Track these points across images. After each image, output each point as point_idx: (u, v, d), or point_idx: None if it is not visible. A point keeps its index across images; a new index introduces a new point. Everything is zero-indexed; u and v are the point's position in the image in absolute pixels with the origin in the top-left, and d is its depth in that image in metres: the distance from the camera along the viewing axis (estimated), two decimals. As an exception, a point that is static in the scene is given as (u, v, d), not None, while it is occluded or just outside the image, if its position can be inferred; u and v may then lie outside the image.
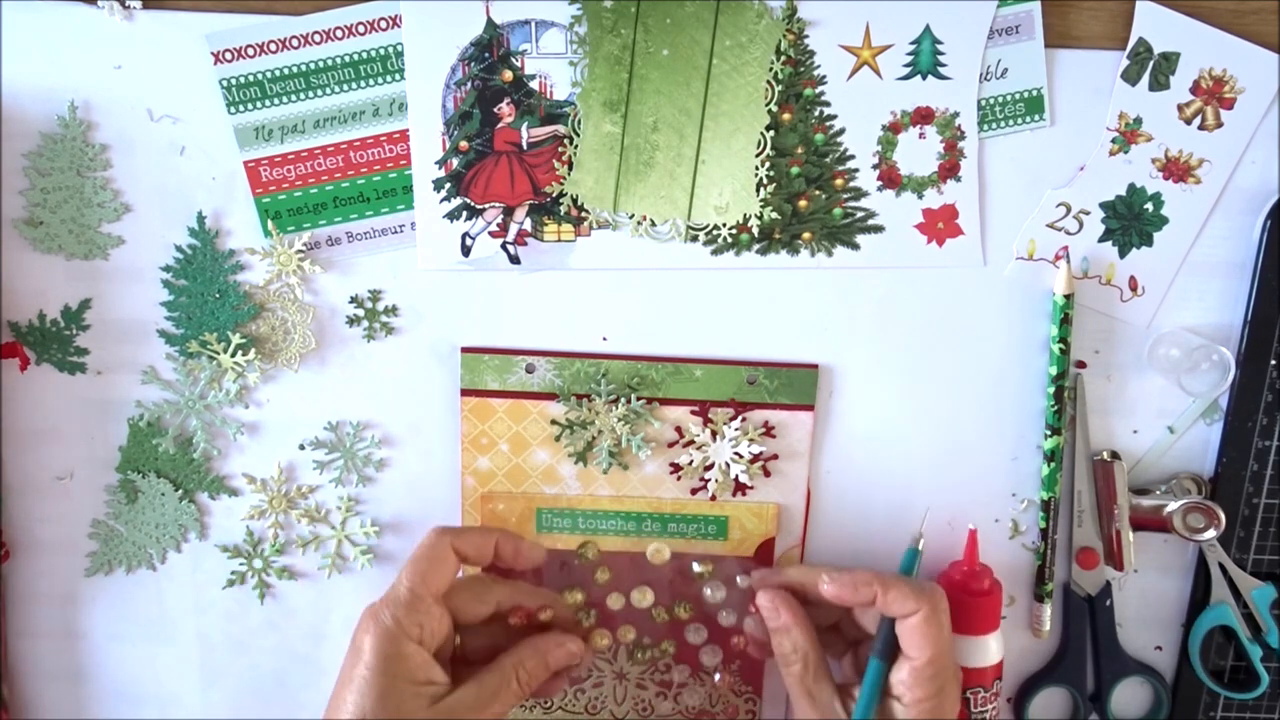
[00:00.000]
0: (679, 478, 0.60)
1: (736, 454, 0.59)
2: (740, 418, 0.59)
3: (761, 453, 0.59)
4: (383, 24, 0.54)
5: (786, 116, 0.56)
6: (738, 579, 0.60)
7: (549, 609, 0.57)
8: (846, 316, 0.59)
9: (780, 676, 0.63)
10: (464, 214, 0.57)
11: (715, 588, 0.60)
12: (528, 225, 0.57)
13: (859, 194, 0.57)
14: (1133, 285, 0.59)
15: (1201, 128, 0.57)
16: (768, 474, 0.60)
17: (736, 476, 0.60)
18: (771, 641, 0.57)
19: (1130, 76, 0.56)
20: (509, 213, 0.57)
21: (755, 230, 0.57)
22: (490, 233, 0.57)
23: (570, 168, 0.56)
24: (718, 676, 0.62)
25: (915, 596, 0.53)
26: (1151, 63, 0.56)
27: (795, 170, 0.56)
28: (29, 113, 0.55)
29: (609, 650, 0.61)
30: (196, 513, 0.60)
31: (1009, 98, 0.56)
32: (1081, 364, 0.60)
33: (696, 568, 0.61)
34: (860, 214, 0.57)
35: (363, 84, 0.55)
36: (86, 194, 0.56)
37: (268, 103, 0.55)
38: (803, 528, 0.61)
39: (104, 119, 0.55)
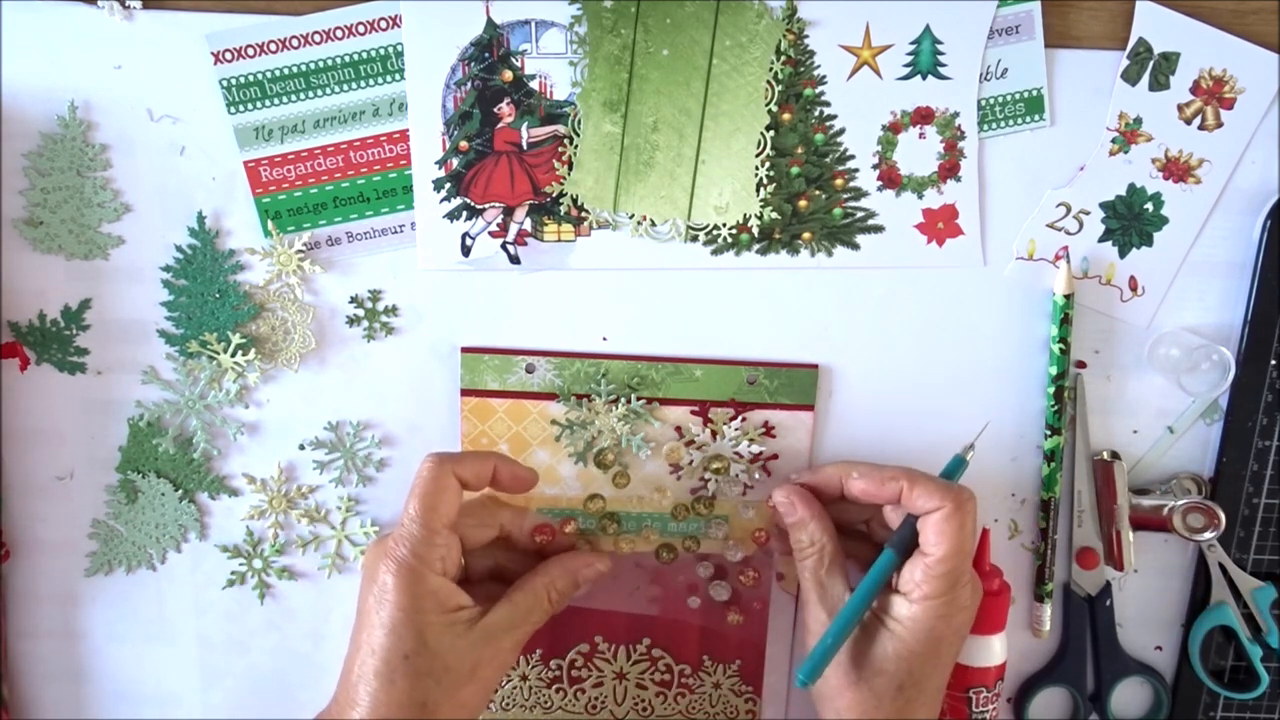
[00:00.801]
0: (679, 478, 0.60)
1: (737, 454, 0.59)
2: (740, 418, 0.59)
3: (761, 453, 0.59)
4: (383, 24, 0.54)
5: (786, 116, 0.56)
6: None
7: (572, 522, 0.58)
8: (846, 316, 0.59)
9: (779, 676, 0.63)
10: (464, 214, 0.57)
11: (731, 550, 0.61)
12: (528, 225, 0.57)
13: (859, 194, 0.57)
14: (1133, 285, 0.59)
15: (1201, 128, 0.57)
16: (768, 474, 0.60)
17: (737, 476, 0.60)
18: (791, 537, 0.56)
19: (1130, 76, 0.56)
20: (509, 213, 0.57)
21: (755, 230, 0.57)
22: (490, 233, 0.57)
23: (570, 168, 0.56)
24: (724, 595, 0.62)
25: (941, 493, 0.52)
26: (1151, 63, 0.56)
27: (795, 170, 0.56)
28: (29, 113, 0.55)
29: (634, 553, 0.61)
30: (196, 513, 0.60)
31: (1009, 98, 0.56)
32: (1081, 364, 0.60)
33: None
34: (860, 214, 0.57)
35: (363, 84, 0.55)
36: (86, 194, 0.56)
37: (268, 103, 0.55)
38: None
39: (104, 119, 0.55)
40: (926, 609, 0.52)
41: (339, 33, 0.54)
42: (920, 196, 0.57)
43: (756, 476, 0.60)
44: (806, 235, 0.57)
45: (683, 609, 0.62)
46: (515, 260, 0.58)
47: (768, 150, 0.56)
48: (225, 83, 0.55)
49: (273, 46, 0.54)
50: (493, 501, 0.58)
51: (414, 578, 0.51)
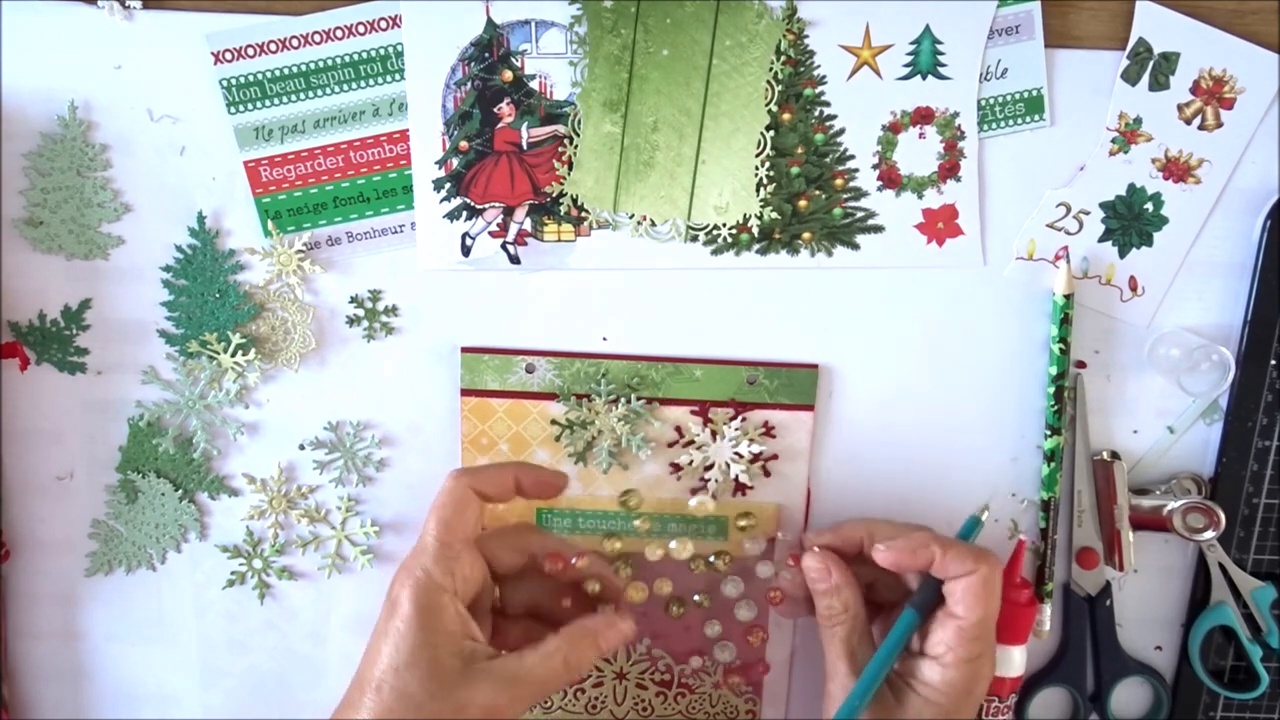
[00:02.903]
0: (679, 478, 0.60)
1: (736, 454, 0.59)
2: (740, 418, 0.59)
3: (761, 453, 0.59)
4: (383, 24, 0.54)
5: (786, 116, 0.56)
6: (777, 535, 0.60)
7: (585, 556, 0.55)
8: (846, 316, 0.59)
9: (777, 677, 0.63)
10: (464, 214, 0.57)
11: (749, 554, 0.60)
12: (528, 225, 0.57)
13: (859, 194, 0.57)
14: (1133, 285, 0.59)
15: (1201, 128, 0.57)
16: (768, 474, 0.60)
17: (736, 476, 0.60)
18: (818, 602, 0.56)
19: (1130, 76, 0.56)
20: (509, 213, 0.57)
21: (755, 230, 0.57)
22: (490, 233, 0.57)
23: (570, 168, 0.56)
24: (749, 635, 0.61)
25: (974, 558, 0.53)
26: (1151, 63, 0.56)
27: (795, 170, 0.56)
28: (29, 113, 0.55)
29: (644, 604, 0.59)
30: (196, 513, 0.60)
31: (1009, 98, 0.56)
32: (1081, 364, 0.60)
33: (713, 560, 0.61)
34: (860, 214, 0.57)
35: (363, 84, 0.55)
36: (86, 194, 0.56)
37: (268, 103, 0.55)
38: (803, 528, 0.61)
39: (104, 119, 0.55)
40: (961, 672, 0.53)
41: (339, 33, 0.54)
42: (920, 196, 0.57)
43: (754, 482, 0.60)
44: (806, 235, 0.57)
45: (700, 640, 0.62)
46: (515, 260, 0.58)
47: (768, 150, 0.56)
48: (225, 83, 0.55)
49: (273, 46, 0.54)
50: (525, 528, 0.57)
51: (424, 593, 0.50)
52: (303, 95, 0.55)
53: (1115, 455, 0.60)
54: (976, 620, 0.53)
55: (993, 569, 0.53)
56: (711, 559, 0.60)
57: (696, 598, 0.60)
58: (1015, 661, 0.59)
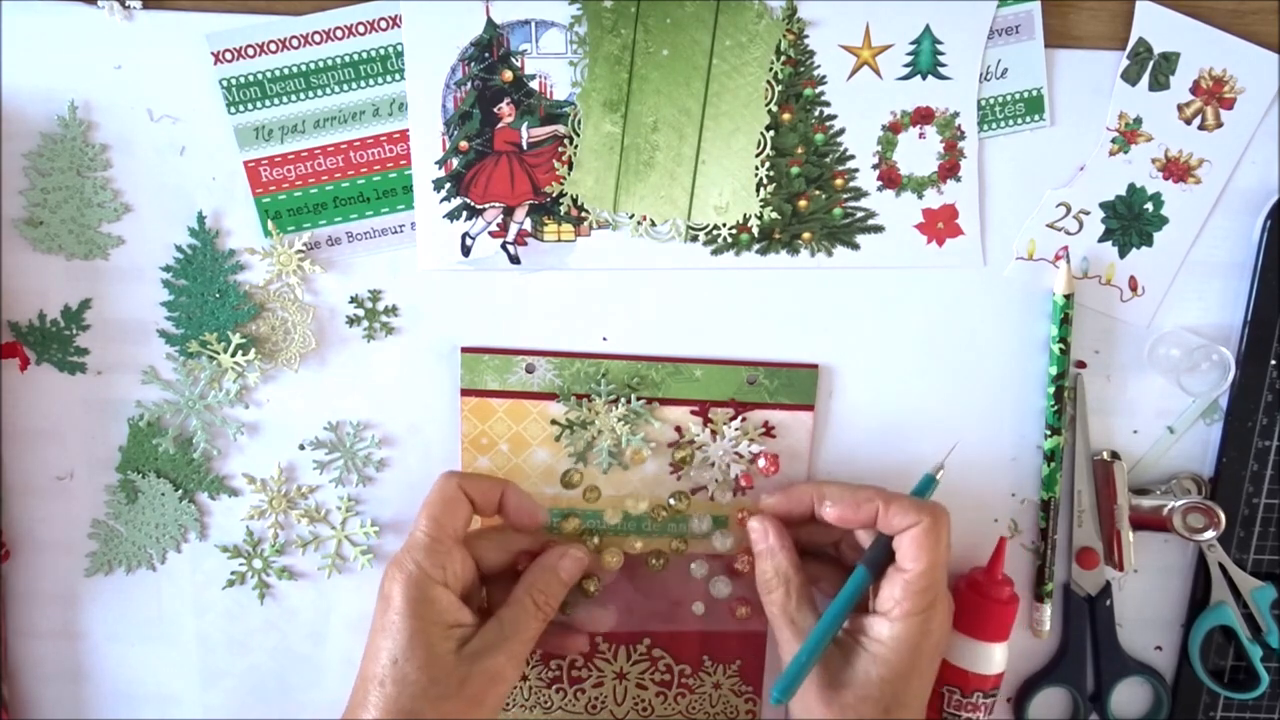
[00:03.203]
0: (679, 477, 0.60)
1: (736, 454, 0.59)
2: (740, 418, 0.59)
3: (761, 452, 0.59)
4: (383, 24, 0.54)
5: (786, 116, 0.56)
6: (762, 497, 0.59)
7: (553, 542, 0.58)
8: (846, 316, 0.59)
9: (775, 676, 0.63)
10: (464, 214, 0.57)
11: (723, 536, 0.60)
12: (528, 225, 0.57)
13: (859, 194, 0.57)
14: (1133, 285, 0.59)
15: (1201, 128, 0.57)
16: (767, 474, 0.60)
17: (736, 476, 0.60)
18: (756, 568, 0.57)
19: (1130, 76, 0.56)
20: (509, 213, 0.57)
21: (755, 230, 0.57)
22: (490, 233, 0.57)
23: (570, 168, 0.56)
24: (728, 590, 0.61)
25: (917, 509, 0.53)
26: (1151, 63, 0.56)
27: (795, 170, 0.56)
28: (29, 113, 0.55)
29: (619, 566, 0.60)
30: (196, 513, 0.60)
31: (1009, 98, 0.56)
32: (1081, 364, 0.60)
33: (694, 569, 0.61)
34: (860, 214, 0.57)
35: (363, 84, 0.55)
36: (86, 194, 0.56)
37: (268, 103, 0.55)
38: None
39: (104, 119, 0.55)
40: (908, 626, 0.52)
41: (339, 33, 0.54)
42: (920, 196, 0.57)
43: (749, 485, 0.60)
44: (806, 235, 0.57)
45: (689, 618, 0.62)
46: (515, 260, 0.58)
47: (768, 150, 0.56)
48: (225, 83, 0.55)
49: (273, 46, 0.54)
50: (509, 529, 0.58)
51: (415, 586, 0.52)
52: (303, 95, 0.55)
53: (1115, 455, 0.60)
54: (921, 570, 0.52)
55: (937, 519, 0.53)
56: (671, 501, 0.60)
57: (674, 544, 0.60)
58: (995, 659, 0.59)
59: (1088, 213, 0.58)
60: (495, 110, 0.56)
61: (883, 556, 0.54)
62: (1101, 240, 0.58)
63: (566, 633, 0.59)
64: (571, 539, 0.60)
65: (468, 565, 0.54)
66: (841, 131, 0.56)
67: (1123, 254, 0.58)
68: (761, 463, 0.59)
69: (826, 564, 0.59)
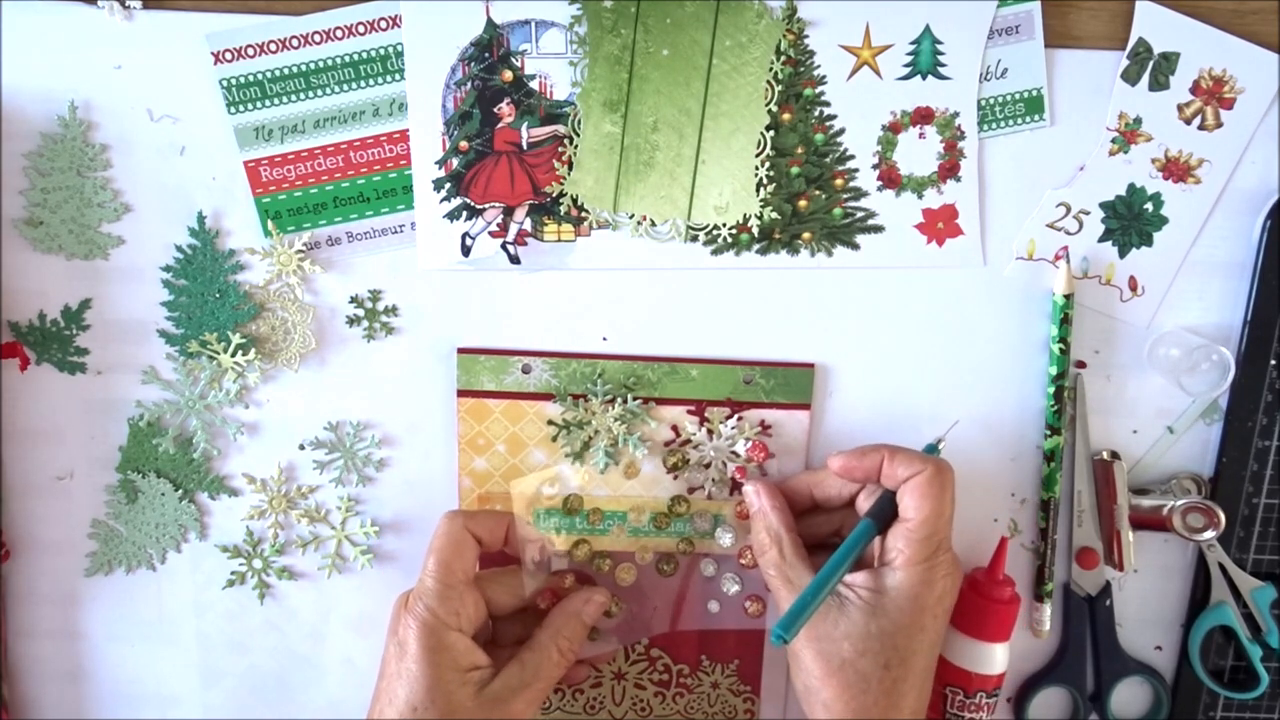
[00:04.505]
0: (675, 477, 0.60)
1: (733, 452, 0.59)
2: (736, 417, 0.59)
3: (752, 442, 0.59)
4: (383, 24, 0.54)
5: (786, 116, 0.56)
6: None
7: (568, 575, 0.58)
8: (846, 316, 0.59)
9: (777, 675, 0.63)
10: (464, 214, 0.57)
11: (724, 531, 0.60)
12: (528, 225, 0.57)
13: (859, 194, 0.57)
14: (1132, 285, 0.59)
15: (1201, 128, 0.57)
16: (764, 473, 0.60)
17: (733, 475, 0.60)
18: (752, 534, 0.56)
19: (1130, 76, 0.56)
20: (509, 213, 0.57)
21: (755, 230, 0.57)
22: (490, 233, 0.57)
23: (570, 168, 0.56)
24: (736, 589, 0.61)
25: (921, 459, 0.53)
26: (1151, 63, 0.56)
27: (795, 170, 0.56)
28: (29, 113, 0.55)
29: (634, 580, 0.60)
30: (196, 513, 0.60)
31: (1009, 98, 0.56)
32: (1081, 364, 0.59)
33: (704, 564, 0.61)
34: (860, 214, 0.57)
35: (363, 84, 0.55)
36: (86, 194, 0.56)
37: (268, 103, 0.55)
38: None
39: (104, 119, 0.55)
40: (910, 575, 0.52)
41: (339, 33, 0.54)
42: (920, 196, 0.57)
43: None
44: (806, 235, 0.57)
45: (705, 617, 0.62)
46: (515, 260, 0.58)
47: (768, 150, 0.56)
48: (225, 83, 0.55)
49: (273, 46, 0.54)
50: (517, 571, 0.58)
51: (430, 633, 0.52)
52: (303, 95, 0.55)
53: (1115, 455, 0.60)
54: (924, 519, 0.51)
55: (940, 469, 0.52)
56: (670, 505, 0.60)
57: (680, 545, 0.60)
58: (997, 659, 0.59)
59: (1088, 213, 0.58)
60: (495, 110, 0.56)
61: (888, 509, 0.53)
62: (1101, 240, 0.58)
63: (574, 665, 0.58)
64: (583, 564, 0.60)
65: (480, 607, 0.54)
66: (841, 131, 0.56)
67: (1123, 254, 0.58)
68: (742, 447, 0.58)
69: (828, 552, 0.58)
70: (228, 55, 0.54)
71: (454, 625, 0.52)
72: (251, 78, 0.55)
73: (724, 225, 0.57)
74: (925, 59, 0.55)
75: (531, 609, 0.58)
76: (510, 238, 0.57)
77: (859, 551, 0.53)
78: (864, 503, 0.56)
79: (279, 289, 0.58)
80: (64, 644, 0.62)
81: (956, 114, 0.56)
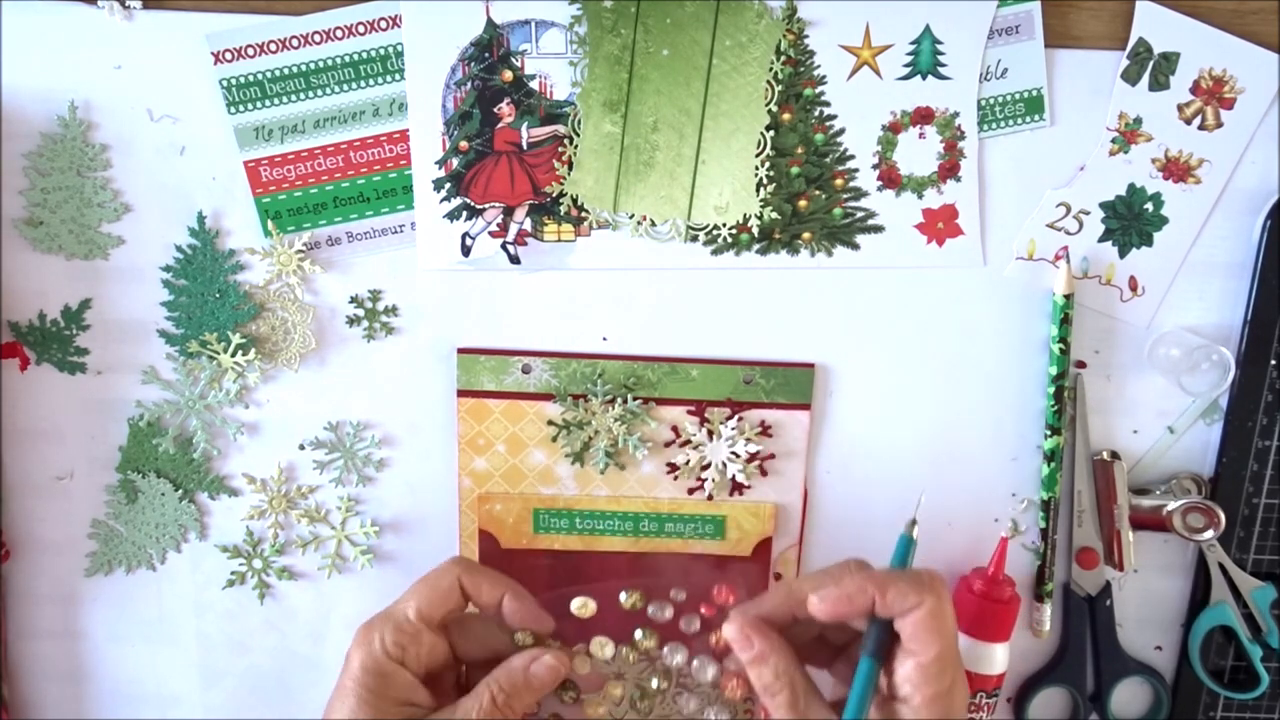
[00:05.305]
0: (676, 477, 0.60)
1: (733, 453, 0.59)
2: (737, 417, 0.59)
3: (758, 452, 0.59)
4: (383, 24, 0.54)
5: (786, 116, 0.56)
6: (724, 627, 0.52)
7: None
8: (846, 316, 0.59)
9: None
10: (464, 214, 0.57)
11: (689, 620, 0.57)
12: (528, 225, 0.57)
13: (859, 194, 0.57)
14: (1133, 285, 0.59)
15: (1201, 128, 0.57)
16: (765, 473, 0.60)
17: (733, 476, 0.60)
18: (751, 676, 0.51)
19: (1130, 76, 0.56)
20: (509, 213, 0.57)
21: (755, 230, 0.57)
22: (490, 233, 0.57)
23: (570, 168, 0.56)
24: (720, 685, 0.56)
25: (916, 590, 0.48)
26: (1151, 63, 0.56)
27: (795, 170, 0.56)
28: (29, 113, 0.55)
29: (588, 671, 0.56)
30: (196, 513, 0.60)
31: (1009, 98, 0.56)
32: (1081, 364, 0.60)
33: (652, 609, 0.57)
34: (860, 214, 0.57)
35: (363, 84, 0.55)
36: (86, 194, 0.56)
37: (268, 103, 0.55)
38: (800, 527, 0.61)
39: (104, 119, 0.55)
40: (934, 708, 0.48)
41: (339, 33, 0.54)
42: (920, 196, 0.57)
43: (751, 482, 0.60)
44: (806, 235, 0.57)
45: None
46: (515, 260, 0.58)
47: (768, 150, 0.56)
48: (225, 83, 0.55)
49: (273, 46, 0.54)
50: (492, 622, 0.55)
51: (373, 660, 0.51)
52: (303, 95, 0.55)
53: (1115, 455, 0.60)
54: (934, 656, 0.48)
55: (939, 598, 0.48)
56: (638, 636, 0.55)
57: (658, 684, 0.56)
58: (997, 659, 0.59)
59: (1088, 213, 0.58)
60: (495, 110, 0.56)
61: (886, 637, 0.49)
62: (1101, 240, 0.58)
63: None
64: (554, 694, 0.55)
65: (437, 650, 0.53)
66: (841, 131, 0.56)
67: (1123, 254, 0.58)
68: (743, 447, 0.57)
69: (815, 645, 0.54)
70: (228, 55, 0.54)
71: (397, 658, 0.51)
72: (251, 78, 0.55)
73: (724, 225, 0.57)
74: (925, 59, 0.55)
75: (499, 662, 0.54)
76: (510, 238, 0.57)
77: (873, 694, 0.49)
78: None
79: (279, 289, 0.58)
80: (64, 644, 0.62)
81: (956, 114, 0.56)
